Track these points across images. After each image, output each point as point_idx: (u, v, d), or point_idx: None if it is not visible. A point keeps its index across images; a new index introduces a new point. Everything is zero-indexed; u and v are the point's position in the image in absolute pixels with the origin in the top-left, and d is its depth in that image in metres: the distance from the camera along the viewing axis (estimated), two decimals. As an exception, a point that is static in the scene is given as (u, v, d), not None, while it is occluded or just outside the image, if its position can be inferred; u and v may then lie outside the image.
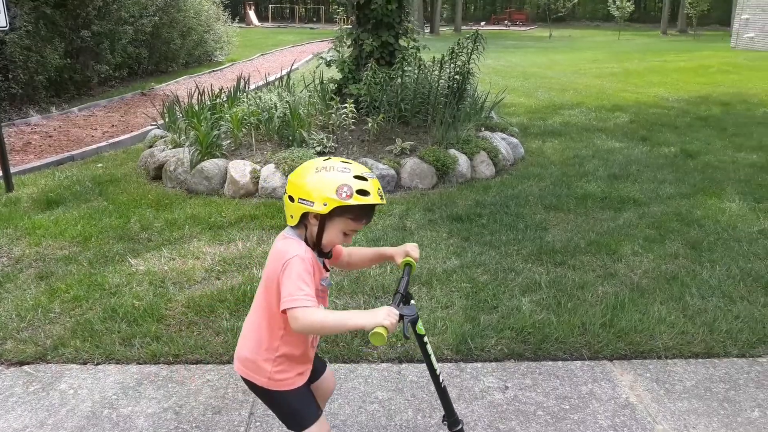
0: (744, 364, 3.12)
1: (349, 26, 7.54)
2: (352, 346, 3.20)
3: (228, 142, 6.28)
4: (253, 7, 45.09)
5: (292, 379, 1.94)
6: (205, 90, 7.53)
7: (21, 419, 2.70)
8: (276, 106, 6.69)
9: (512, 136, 7.28)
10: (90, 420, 2.69)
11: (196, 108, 6.73)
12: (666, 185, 6.07)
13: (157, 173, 6.18)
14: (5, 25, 5.91)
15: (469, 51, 6.91)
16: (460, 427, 2.10)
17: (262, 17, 47.43)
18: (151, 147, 6.68)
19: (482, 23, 49.80)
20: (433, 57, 7.11)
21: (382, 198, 1.81)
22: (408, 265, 2.03)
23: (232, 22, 21.71)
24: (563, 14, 47.16)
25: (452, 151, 6.23)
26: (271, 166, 5.71)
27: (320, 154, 5.85)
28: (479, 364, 3.11)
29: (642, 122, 9.40)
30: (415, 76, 6.96)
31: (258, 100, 7.00)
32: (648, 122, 9.40)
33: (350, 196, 1.75)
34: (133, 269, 4.12)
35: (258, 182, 5.63)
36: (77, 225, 4.90)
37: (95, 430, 2.64)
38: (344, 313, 1.81)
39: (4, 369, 3.08)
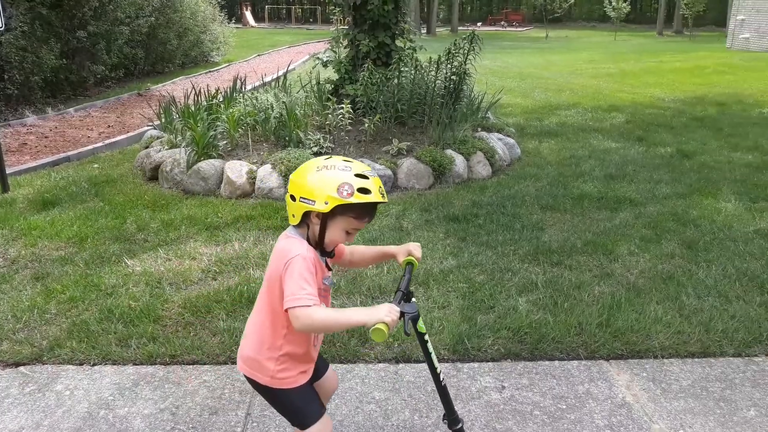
0: (740, 363, 3.13)
1: (346, 27, 7.54)
2: (349, 347, 3.20)
3: (224, 142, 6.27)
4: (249, 8, 45.09)
5: (294, 377, 1.95)
6: (202, 90, 7.52)
7: (17, 420, 2.69)
8: (272, 107, 6.68)
9: (509, 136, 7.29)
10: (86, 421, 2.69)
11: (193, 108, 6.72)
12: (662, 185, 6.08)
13: (154, 174, 6.17)
14: (1, 25, 5.89)
15: (466, 51, 6.92)
16: (460, 425, 2.10)
17: (258, 18, 47.44)
18: (147, 148, 6.67)
19: (479, 24, 49.86)
20: (430, 57, 7.12)
21: (383, 196, 1.81)
22: (410, 264, 2.04)
23: (228, 23, 21.71)
24: (559, 15, 47.29)
25: (449, 152, 6.23)
26: (267, 167, 5.71)
27: (317, 154, 5.85)
28: (476, 364, 3.11)
29: (638, 122, 9.42)
30: (412, 76, 6.97)
31: (254, 101, 6.99)
32: (644, 122, 9.43)
33: (351, 195, 1.75)
34: (129, 270, 4.11)
35: (254, 183, 5.63)
36: (73, 226, 4.89)
37: (91, 431, 2.63)
38: (345, 310, 1.82)
39: (0, 370, 3.07)
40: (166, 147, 6.35)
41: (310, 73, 8.07)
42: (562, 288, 3.84)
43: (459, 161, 6.19)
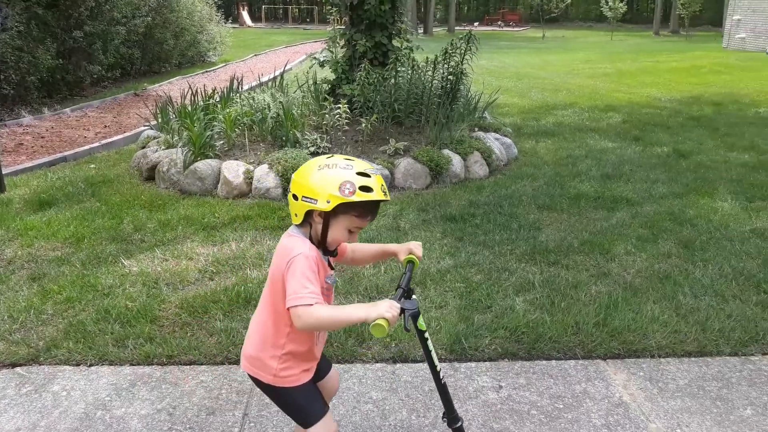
0: (736, 362, 3.14)
1: (343, 27, 7.54)
2: (346, 346, 3.20)
3: (221, 142, 6.26)
4: (246, 8, 45.05)
5: (297, 375, 1.95)
6: (198, 90, 7.51)
7: (13, 421, 2.68)
8: (269, 107, 6.68)
9: (506, 136, 7.30)
10: (83, 422, 2.68)
11: (189, 108, 6.71)
12: (659, 185, 6.10)
13: (150, 174, 6.16)
14: (-3, 25, 5.88)
15: (463, 51, 6.93)
16: (459, 424, 2.10)
17: (255, 18, 47.35)
18: (143, 148, 6.66)
19: (475, 24, 49.90)
20: (427, 57, 7.12)
21: (385, 194, 1.80)
22: (411, 262, 2.05)
23: (225, 23, 21.67)
24: (556, 15, 47.32)
25: (446, 152, 6.24)
26: (264, 167, 5.70)
27: (314, 154, 5.85)
28: (473, 364, 3.11)
29: (635, 122, 9.45)
30: (409, 76, 6.97)
31: (251, 101, 6.99)
32: (640, 122, 9.45)
33: (353, 193, 1.75)
34: (126, 270, 4.10)
35: (251, 183, 5.62)
36: (70, 226, 4.88)
37: (88, 431, 2.63)
38: (346, 307, 1.81)
39: (-4, 371, 3.06)
40: (163, 147, 6.34)
41: (307, 73, 8.06)
42: (559, 287, 3.84)
43: (456, 161, 6.20)
